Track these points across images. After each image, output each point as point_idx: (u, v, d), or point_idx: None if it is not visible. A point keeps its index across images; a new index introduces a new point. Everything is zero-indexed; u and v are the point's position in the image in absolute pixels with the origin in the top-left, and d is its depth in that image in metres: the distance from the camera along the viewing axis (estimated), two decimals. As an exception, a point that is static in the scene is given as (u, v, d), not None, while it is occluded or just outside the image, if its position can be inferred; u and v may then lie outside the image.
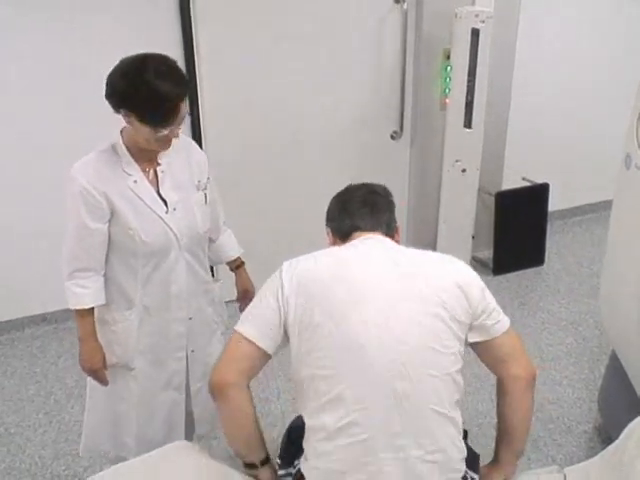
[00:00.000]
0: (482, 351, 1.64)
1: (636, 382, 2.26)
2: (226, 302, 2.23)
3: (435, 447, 1.51)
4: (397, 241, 1.74)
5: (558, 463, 2.48)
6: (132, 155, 1.86)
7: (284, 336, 1.59)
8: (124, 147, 1.85)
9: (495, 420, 1.72)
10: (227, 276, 2.31)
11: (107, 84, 1.74)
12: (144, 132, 1.76)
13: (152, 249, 1.90)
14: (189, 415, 2.19)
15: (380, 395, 1.49)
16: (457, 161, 3.55)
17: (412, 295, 1.54)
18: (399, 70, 3.54)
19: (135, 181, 1.86)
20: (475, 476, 1.68)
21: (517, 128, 3.97)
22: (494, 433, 1.74)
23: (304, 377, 1.56)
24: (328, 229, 1.80)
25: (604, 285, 2.49)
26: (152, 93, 1.69)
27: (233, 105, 3.28)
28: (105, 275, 1.94)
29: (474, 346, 1.63)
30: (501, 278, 3.88)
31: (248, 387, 1.62)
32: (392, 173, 3.69)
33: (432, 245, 3.75)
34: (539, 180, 4.03)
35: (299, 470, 1.63)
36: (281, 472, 1.75)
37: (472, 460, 1.67)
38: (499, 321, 1.62)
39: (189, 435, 2.24)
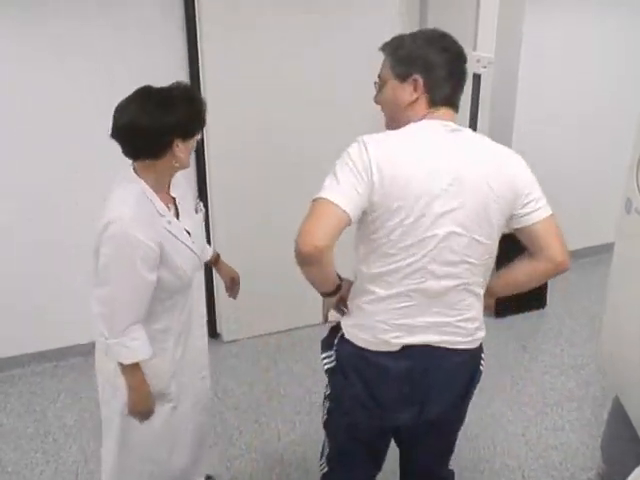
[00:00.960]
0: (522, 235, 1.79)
1: None
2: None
3: (463, 317, 1.72)
4: None
5: (561, 511, 2.45)
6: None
7: (367, 205, 1.58)
8: (150, 189, 1.83)
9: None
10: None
11: (149, 134, 1.74)
12: (185, 150, 1.79)
13: (190, 280, 1.96)
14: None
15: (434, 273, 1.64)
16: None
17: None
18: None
19: (169, 222, 1.87)
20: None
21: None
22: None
23: (378, 239, 1.62)
24: (417, 76, 1.65)
25: (605, 330, 2.48)
26: (189, 102, 1.78)
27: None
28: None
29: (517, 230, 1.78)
30: (503, 321, 3.86)
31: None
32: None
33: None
34: (540, 223, 4.02)
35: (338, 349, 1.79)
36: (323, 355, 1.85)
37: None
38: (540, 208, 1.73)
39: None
